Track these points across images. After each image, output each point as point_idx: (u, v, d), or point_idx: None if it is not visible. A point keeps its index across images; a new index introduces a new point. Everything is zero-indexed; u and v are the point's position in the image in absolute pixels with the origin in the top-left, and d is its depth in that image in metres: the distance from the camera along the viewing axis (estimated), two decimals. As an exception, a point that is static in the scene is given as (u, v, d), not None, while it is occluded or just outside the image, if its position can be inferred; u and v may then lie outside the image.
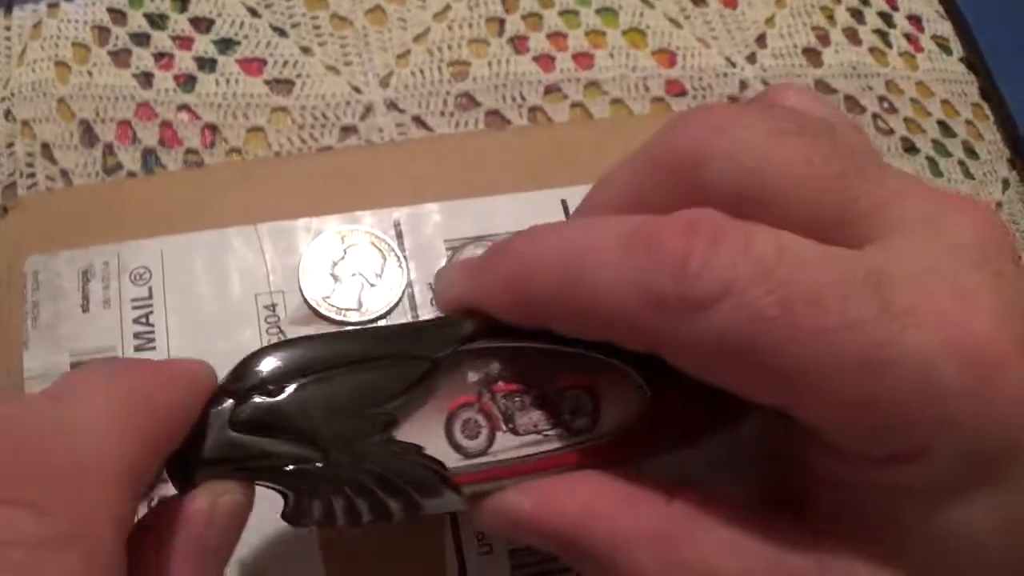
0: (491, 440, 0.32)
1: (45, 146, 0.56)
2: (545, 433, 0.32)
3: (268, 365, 0.31)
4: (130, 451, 0.26)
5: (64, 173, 0.55)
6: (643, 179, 0.33)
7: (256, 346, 0.32)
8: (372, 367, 0.31)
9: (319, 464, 0.30)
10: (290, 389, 0.31)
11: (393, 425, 0.31)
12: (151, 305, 0.40)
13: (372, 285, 0.41)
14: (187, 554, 0.28)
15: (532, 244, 0.31)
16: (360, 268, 0.41)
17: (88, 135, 0.56)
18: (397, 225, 0.42)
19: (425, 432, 0.31)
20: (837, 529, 0.30)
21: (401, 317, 0.40)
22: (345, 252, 0.41)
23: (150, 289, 0.40)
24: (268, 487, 0.30)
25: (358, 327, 0.38)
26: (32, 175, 0.55)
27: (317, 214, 0.42)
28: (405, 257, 0.42)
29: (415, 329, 0.33)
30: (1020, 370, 0.26)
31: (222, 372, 0.32)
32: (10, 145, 0.56)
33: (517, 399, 0.33)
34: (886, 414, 0.27)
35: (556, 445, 0.32)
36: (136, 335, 0.40)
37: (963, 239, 0.28)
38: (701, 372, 0.29)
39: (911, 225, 0.29)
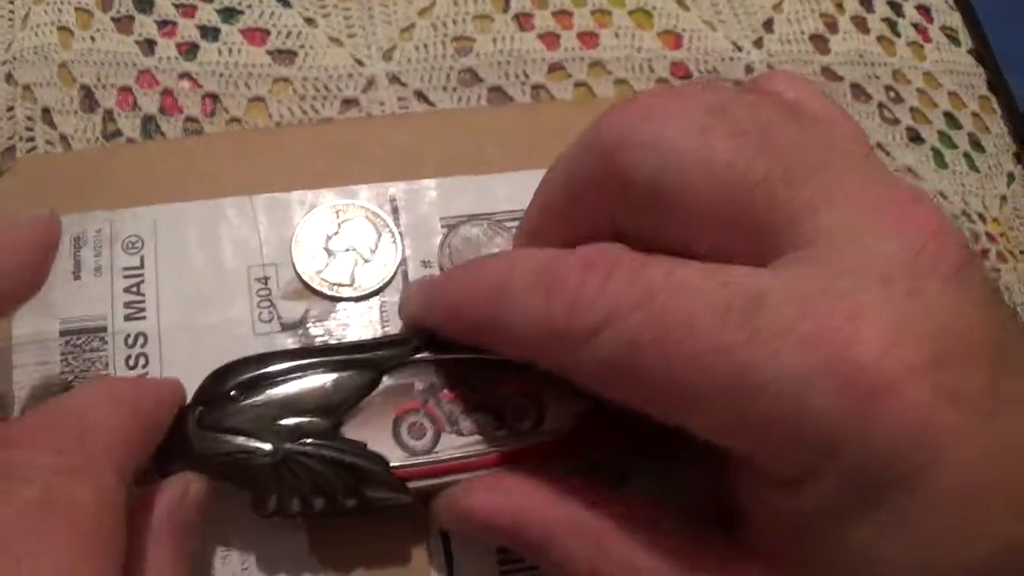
0: (436, 441, 0.36)
1: (45, 111, 0.56)
2: (489, 435, 0.36)
3: (233, 376, 0.36)
4: (122, 430, 0.31)
5: (63, 138, 0.55)
6: (576, 165, 0.36)
7: (247, 319, 0.39)
8: (323, 376, 0.36)
9: (270, 457, 0.34)
10: (251, 396, 0.35)
11: (340, 425, 0.35)
12: (142, 275, 0.40)
13: (366, 261, 0.41)
14: (163, 531, 0.33)
15: (468, 276, 0.35)
16: (354, 243, 0.41)
17: (88, 100, 0.56)
18: (393, 200, 0.42)
19: (372, 432, 0.36)
20: (759, 547, 0.31)
21: (394, 294, 0.40)
22: (339, 227, 0.41)
23: (142, 258, 0.40)
24: (231, 477, 0.35)
25: (317, 345, 0.40)
26: (31, 139, 0.55)
27: (313, 187, 0.42)
28: (400, 233, 0.41)
29: (367, 345, 0.38)
30: (906, 395, 0.26)
31: (216, 344, 0.38)
32: (10, 109, 0.55)
33: (462, 404, 0.37)
34: (766, 436, 0.28)
35: (499, 446, 0.36)
36: (126, 304, 0.39)
37: (884, 252, 0.28)
38: (601, 392, 0.31)
39: (826, 239, 0.29)
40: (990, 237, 0.60)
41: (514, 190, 0.43)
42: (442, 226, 0.42)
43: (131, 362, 0.39)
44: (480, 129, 0.46)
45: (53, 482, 0.28)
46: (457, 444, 0.37)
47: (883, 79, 0.64)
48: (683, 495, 0.36)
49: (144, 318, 0.39)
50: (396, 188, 0.42)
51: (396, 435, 0.36)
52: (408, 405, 0.37)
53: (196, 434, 0.35)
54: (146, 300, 0.40)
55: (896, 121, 0.62)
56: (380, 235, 0.41)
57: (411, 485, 0.36)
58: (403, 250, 0.41)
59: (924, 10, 0.67)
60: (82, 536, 0.27)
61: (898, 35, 0.66)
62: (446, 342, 0.37)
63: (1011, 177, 0.62)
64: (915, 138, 0.62)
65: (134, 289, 0.40)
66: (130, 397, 0.33)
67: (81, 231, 0.41)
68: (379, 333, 0.40)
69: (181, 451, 0.35)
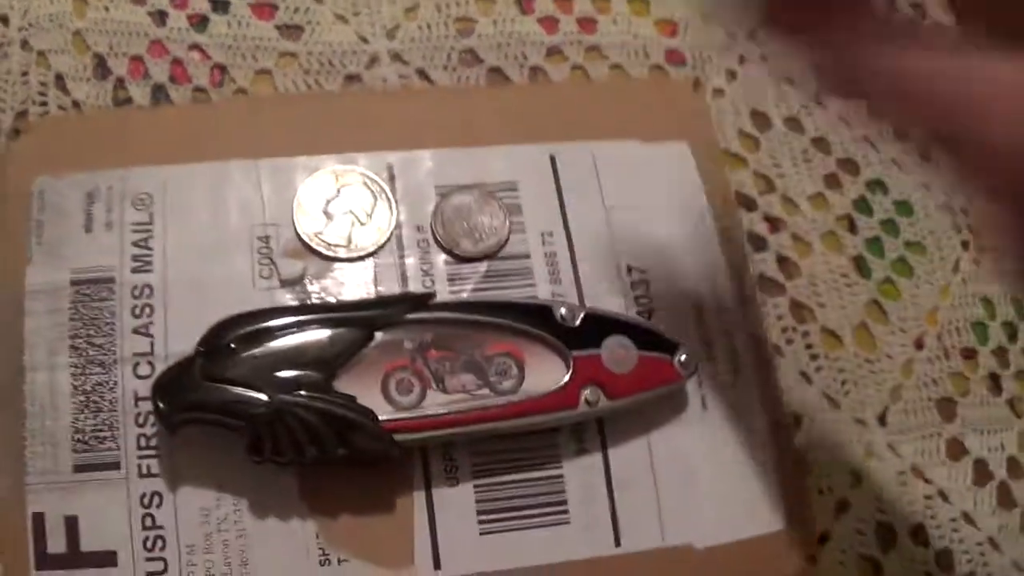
0: (422, 397, 0.39)
1: (59, 77, 0.57)
2: (472, 392, 0.39)
3: (234, 329, 0.38)
4: None
5: (76, 104, 0.57)
6: None
7: (248, 275, 0.41)
8: (319, 332, 0.38)
9: (266, 407, 0.36)
10: (250, 348, 0.37)
11: (332, 379, 0.38)
12: (151, 229, 0.42)
13: (362, 224, 0.42)
14: None
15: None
16: (352, 207, 0.43)
17: (101, 68, 0.57)
18: (390, 168, 0.44)
19: (362, 387, 0.38)
20: None
21: (389, 256, 0.42)
22: (339, 191, 0.43)
23: (151, 214, 0.42)
24: (229, 425, 0.37)
25: (314, 302, 0.42)
26: (44, 103, 0.57)
27: (315, 153, 0.44)
28: (396, 200, 0.43)
29: (360, 304, 0.41)
30: None
31: (218, 297, 0.40)
32: (24, 74, 0.57)
33: (448, 363, 0.39)
34: None
35: (482, 403, 0.39)
36: (134, 257, 0.41)
37: None
38: None
39: None
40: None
41: (505, 163, 0.45)
42: (436, 193, 0.44)
43: (136, 312, 0.40)
44: (474, 106, 0.47)
45: None
46: (441, 401, 0.39)
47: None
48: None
49: (151, 271, 0.41)
50: (393, 157, 0.44)
51: (385, 390, 0.39)
52: (397, 362, 0.39)
53: (198, 384, 0.37)
54: (153, 254, 0.41)
55: (882, 115, 0.64)
56: (377, 200, 0.43)
57: (397, 438, 0.38)
58: (398, 215, 0.43)
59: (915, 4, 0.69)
60: None
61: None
62: (435, 305, 0.40)
63: None
64: (902, 133, 0.64)
65: (142, 243, 0.42)
66: None
67: (93, 187, 0.42)
68: (372, 293, 0.42)
69: (185, 400, 0.37)
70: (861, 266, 0.61)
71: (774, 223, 0.60)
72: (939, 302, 0.61)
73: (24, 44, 0.58)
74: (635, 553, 0.40)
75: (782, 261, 0.59)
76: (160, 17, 0.59)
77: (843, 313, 0.59)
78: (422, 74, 0.58)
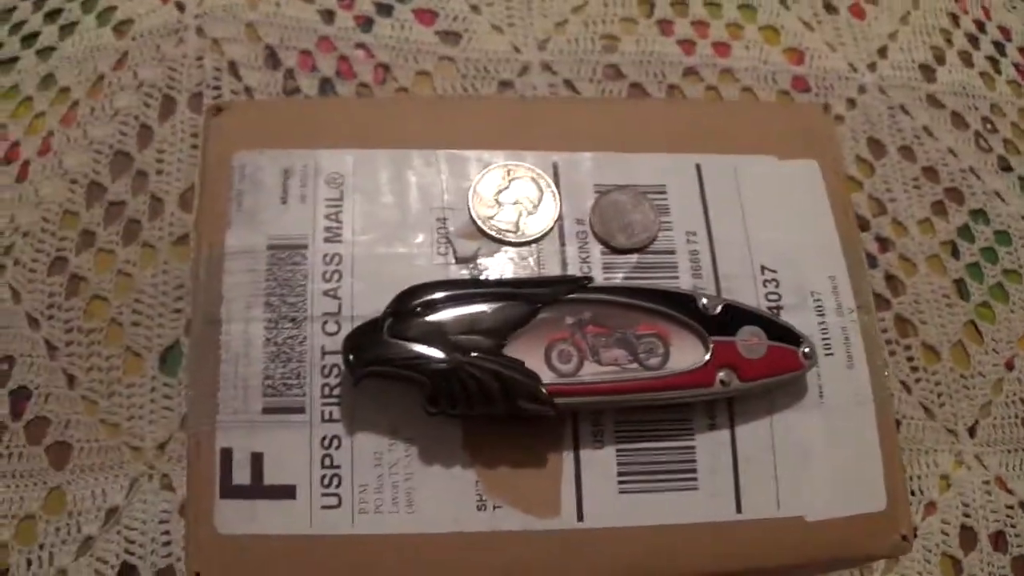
0: (580, 366, 0.43)
1: (232, 64, 0.62)
2: (623, 366, 0.43)
3: (419, 296, 0.42)
4: None
5: (248, 90, 0.62)
6: None
7: (427, 251, 0.46)
8: (492, 304, 0.43)
9: (445, 364, 0.41)
10: (432, 313, 0.42)
11: (502, 346, 0.42)
12: (341, 205, 0.46)
13: (530, 213, 0.46)
14: None
15: None
16: (520, 197, 0.47)
17: (272, 59, 0.62)
18: (555, 166, 0.48)
19: (528, 354, 0.42)
20: None
21: (551, 244, 0.46)
22: (509, 183, 0.47)
23: (341, 192, 0.46)
24: (412, 377, 0.41)
25: (487, 279, 0.45)
26: (218, 88, 0.62)
27: (487, 148, 0.48)
28: (560, 194, 0.47)
29: (528, 282, 0.44)
30: None
31: (399, 268, 0.44)
32: (199, 59, 0.62)
33: (603, 339, 0.43)
34: None
35: (631, 375, 0.43)
36: (326, 228, 0.45)
37: None
38: None
39: None
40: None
41: (655, 169, 0.48)
42: (595, 191, 0.47)
43: (327, 276, 0.44)
44: (625, 116, 0.51)
45: None
46: (596, 371, 0.43)
47: (981, 110, 0.69)
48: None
49: (341, 241, 0.45)
50: (558, 156, 0.48)
51: (547, 359, 0.43)
52: (559, 335, 0.43)
53: (386, 341, 0.41)
54: (343, 227, 0.45)
55: (989, 149, 0.68)
56: (543, 193, 0.47)
57: (557, 401, 0.42)
58: (561, 208, 0.47)
59: (1025, 52, 0.72)
60: None
61: (999, 72, 0.71)
62: (593, 287, 0.44)
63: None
64: (1005, 167, 0.67)
65: (333, 216, 0.46)
66: None
67: (289, 164, 0.46)
68: (536, 274, 0.46)
69: (374, 354, 0.41)
70: (961, 289, 0.64)
71: (884, 243, 0.64)
72: (1031, 328, 0.64)
73: (199, 31, 0.63)
74: (753, 520, 0.44)
75: (890, 279, 0.63)
76: (328, 16, 0.64)
77: (942, 331, 0.63)
78: (569, 85, 0.62)
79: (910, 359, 0.62)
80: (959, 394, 0.62)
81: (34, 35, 0.65)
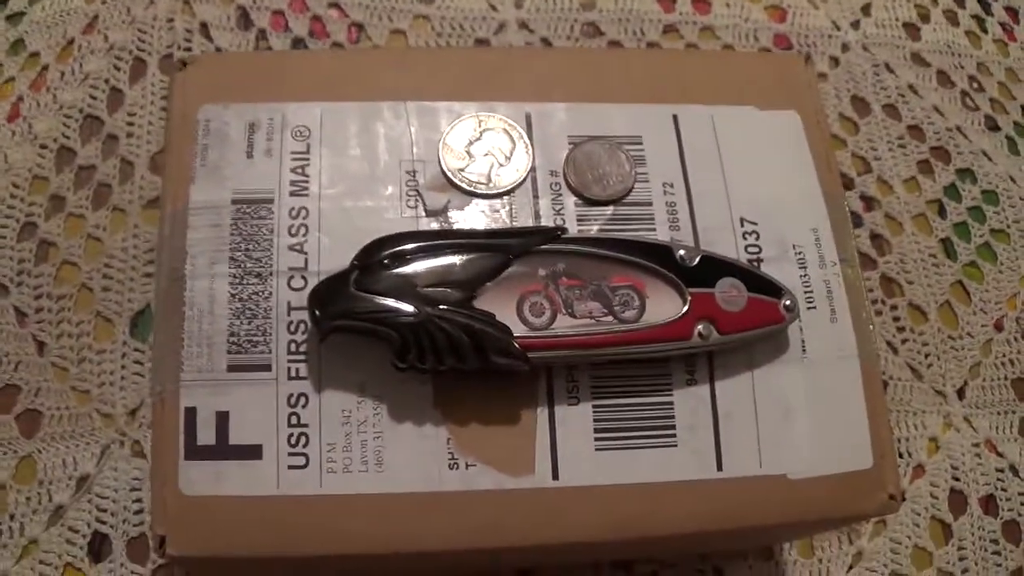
0: (553, 319, 0.42)
1: (203, 25, 0.61)
2: (598, 319, 0.42)
3: (386, 247, 0.41)
4: None
5: (219, 51, 0.61)
6: None
7: (396, 204, 0.45)
8: (461, 255, 0.41)
9: (412, 318, 0.40)
10: (400, 265, 0.41)
11: (472, 298, 0.41)
12: (308, 159, 0.45)
13: (501, 165, 0.45)
14: None
15: None
16: (492, 149, 0.46)
17: (244, 19, 0.61)
18: (528, 117, 0.47)
19: (499, 307, 0.41)
20: None
21: (524, 196, 0.45)
22: (481, 134, 0.46)
23: (308, 145, 0.45)
24: (379, 331, 0.40)
25: (457, 230, 0.44)
26: (188, 49, 0.61)
27: (458, 99, 0.47)
28: (533, 145, 0.46)
29: (499, 233, 0.43)
30: None
31: (367, 222, 0.43)
32: (170, 20, 0.61)
33: (577, 291, 0.42)
34: None
35: (606, 328, 0.42)
36: (292, 183, 0.44)
37: None
38: None
39: None
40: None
41: (631, 119, 0.47)
42: (569, 142, 0.46)
43: (293, 231, 0.43)
44: (604, 66, 0.50)
45: None
46: (570, 324, 0.42)
47: (967, 69, 0.68)
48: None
49: (307, 195, 0.44)
50: (531, 107, 0.47)
51: (519, 312, 0.42)
52: (531, 287, 0.42)
53: (353, 294, 0.40)
54: (310, 180, 0.44)
55: (976, 108, 0.67)
56: (515, 145, 0.46)
57: (530, 355, 0.41)
58: (534, 159, 0.46)
59: (1012, 12, 0.71)
60: None
61: (985, 31, 0.70)
62: (566, 239, 0.43)
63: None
64: (992, 126, 0.66)
65: (299, 170, 0.45)
66: None
67: (254, 118, 0.45)
68: (508, 225, 0.45)
69: (340, 308, 0.40)
70: (948, 248, 0.64)
71: (869, 202, 0.63)
72: (1020, 287, 0.64)
73: (170, -8, 0.62)
74: (735, 478, 0.43)
75: (875, 238, 0.62)
76: (302, -25, 0.63)
77: (929, 291, 0.62)
78: (546, 43, 0.61)
79: (896, 319, 0.61)
80: (947, 355, 0.61)
81: (3, 1, 0.64)
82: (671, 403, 0.43)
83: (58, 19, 0.64)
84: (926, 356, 0.61)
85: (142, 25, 0.63)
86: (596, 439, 0.42)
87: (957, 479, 0.59)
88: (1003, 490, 0.60)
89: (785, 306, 0.43)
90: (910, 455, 0.59)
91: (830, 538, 0.58)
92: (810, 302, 0.45)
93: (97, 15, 0.63)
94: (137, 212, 0.59)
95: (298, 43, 0.61)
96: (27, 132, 0.61)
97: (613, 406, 0.43)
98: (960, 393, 0.61)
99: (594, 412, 0.43)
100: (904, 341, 0.61)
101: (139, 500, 0.55)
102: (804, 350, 0.44)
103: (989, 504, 0.60)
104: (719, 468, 0.43)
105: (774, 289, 0.44)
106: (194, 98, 0.46)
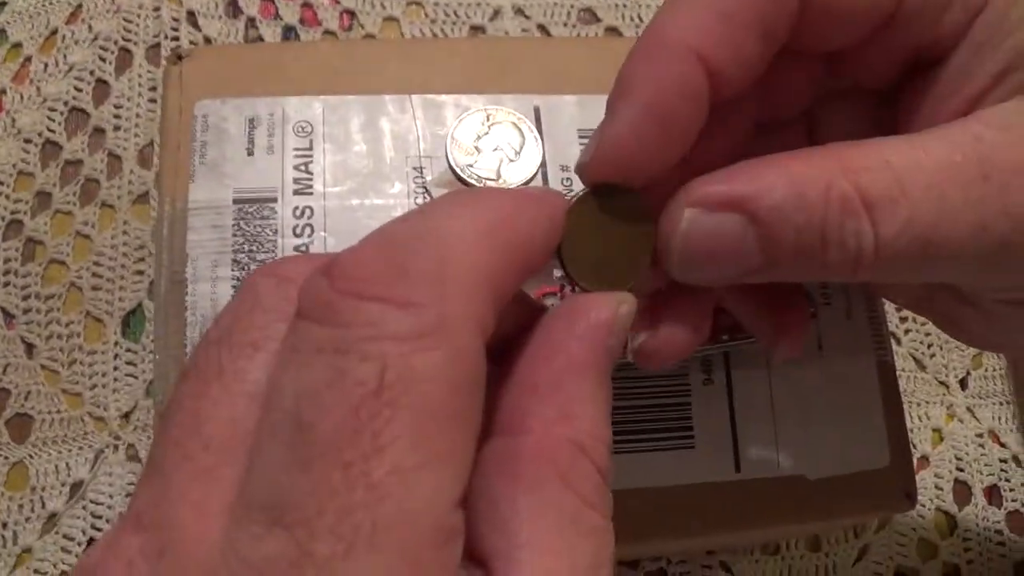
0: None
1: (191, 13, 0.60)
2: None
3: None
4: (491, 264, 0.26)
5: (207, 40, 0.59)
6: None
7: (404, 202, 0.44)
8: None
9: None
10: None
11: None
12: (311, 155, 0.44)
13: (511, 160, 0.44)
14: (587, 364, 0.28)
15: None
16: (501, 143, 0.45)
17: (232, 7, 0.60)
18: (536, 110, 0.46)
19: None
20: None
21: None
22: (489, 129, 0.45)
23: (311, 141, 0.44)
24: None
25: None
26: (176, 39, 0.60)
27: (465, 92, 0.46)
28: (543, 139, 0.45)
29: None
30: None
31: (375, 220, 0.41)
32: (156, 9, 0.60)
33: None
34: None
35: None
36: (295, 180, 0.43)
37: None
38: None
39: None
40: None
41: (641, 112, 0.46)
42: (579, 136, 0.46)
43: (297, 231, 0.42)
44: (607, 57, 0.49)
45: (396, 356, 0.23)
46: None
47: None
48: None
49: (311, 193, 0.43)
50: (539, 99, 0.46)
51: None
52: (548, 289, 0.41)
53: None
54: (314, 178, 0.43)
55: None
56: (525, 139, 0.45)
57: None
58: (544, 153, 0.45)
59: None
60: (430, 418, 0.23)
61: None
62: None
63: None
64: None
65: (303, 167, 0.44)
66: (505, 212, 0.28)
67: (255, 114, 0.44)
68: None
69: None
70: (952, 236, 0.63)
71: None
72: None
73: (156, -21, 0.60)
74: (753, 480, 0.42)
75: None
76: (291, -39, 0.62)
77: (933, 280, 0.61)
78: (542, 29, 0.60)
79: (899, 309, 0.60)
80: (949, 345, 0.60)
81: (-18, -10, 0.63)
82: (688, 404, 0.42)
83: (40, 8, 0.62)
84: (929, 347, 0.61)
85: (127, 14, 0.61)
86: (614, 442, 0.41)
87: (961, 470, 0.59)
88: (1007, 480, 0.59)
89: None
90: (915, 447, 0.58)
91: (836, 533, 0.57)
92: (826, 299, 0.44)
93: (81, 4, 0.62)
94: (126, 208, 0.58)
95: (288, 31, 0.60)
96: (10, 126, 0.59)
97: (630, 408, 0.42)
98: (963, 383, 0.60)
99: (612, 415, 0.42)
100: (907, 332, 0.60)
101: (135, 505, 0.53)
102: (820, 347, 0.44)
103: (993, 494, 0.59)
104: (737, 470, 0.42)
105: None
106: (190, 93, 0.45)
